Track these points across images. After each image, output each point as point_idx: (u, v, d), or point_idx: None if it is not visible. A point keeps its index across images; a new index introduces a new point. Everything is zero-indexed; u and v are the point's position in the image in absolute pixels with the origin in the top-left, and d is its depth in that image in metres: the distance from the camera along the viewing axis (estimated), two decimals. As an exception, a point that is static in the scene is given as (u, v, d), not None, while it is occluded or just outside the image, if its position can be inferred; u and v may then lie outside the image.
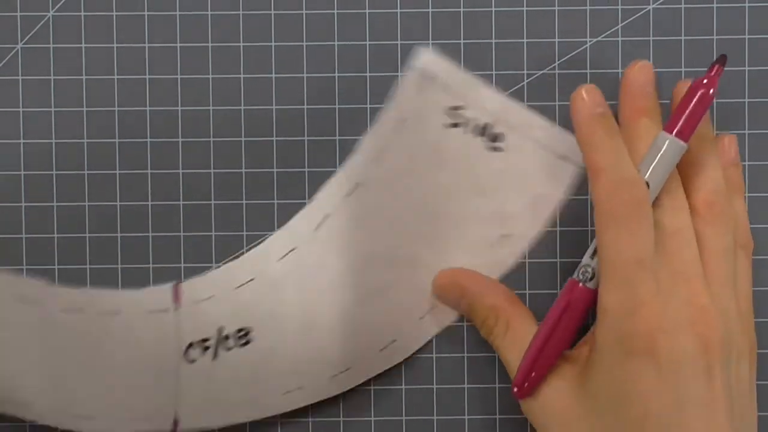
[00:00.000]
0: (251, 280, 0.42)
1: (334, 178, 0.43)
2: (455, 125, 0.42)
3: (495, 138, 0.42)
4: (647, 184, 0.37)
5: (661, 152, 0.38)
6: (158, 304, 0.42)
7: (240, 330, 0.42)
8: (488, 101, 0.42)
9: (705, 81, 0.38)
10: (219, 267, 0.43)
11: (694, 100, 0.38)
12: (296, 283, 0.42)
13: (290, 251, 0.42)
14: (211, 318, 0.42)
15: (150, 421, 0.42)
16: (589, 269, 0.38)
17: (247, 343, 0.42)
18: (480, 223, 0.42)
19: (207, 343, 0.42)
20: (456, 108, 0.42)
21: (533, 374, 0.39)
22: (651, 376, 0.35)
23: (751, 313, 0.39)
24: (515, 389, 0.39)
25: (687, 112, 0.38)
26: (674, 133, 0.38)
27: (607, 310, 0.36)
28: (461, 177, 0.42)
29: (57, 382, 0.41)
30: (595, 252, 0.38)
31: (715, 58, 0.39)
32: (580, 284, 0.39)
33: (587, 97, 0.39)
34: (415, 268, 0.42)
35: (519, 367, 0.39)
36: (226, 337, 0.42)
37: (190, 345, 0.42)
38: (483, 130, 0.42)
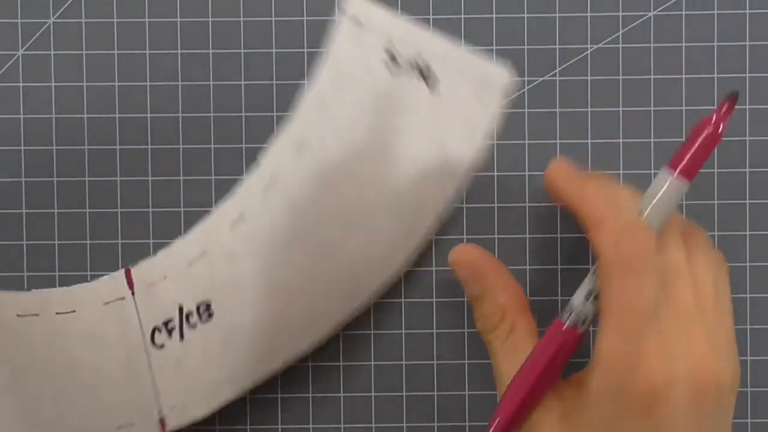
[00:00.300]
0: (203, 252, 0.41)
1: (279, 138, 0.41)
2: (395, 70, 0.41)
3: (430, 77, 0.41)
4: (650, 225, 0.36)
5: (664, 191, 0.36)
6: (113, 293, 0.41)
7: (200, 305, 0.41)
8: (421, 41, 0.41)
9: (714, 119, 0.36)
10: (168, 245, 0.42)
11: (701, 139, 0.36)
12: (250, 250, 0.41)
13: (240, 217, 0.41)
14: (169, 298, 0.40)
15: (135, 426, 0.40)
16: (583, 315, 0.37)
17: (210, 316, 0.41)
18: (428, 164, 0.41)
19: (170, 324, 0.41)
20: (392, 51, 0.41)
21: (517, 418, 0.37)
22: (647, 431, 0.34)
23: (734, 335, 0.38)
24: (491, 430, 0.37)
25: (693, 150, 0.36)
26: (678, 171, 0.36)
27: (607, 362, 0.34)
28: (407, 121, 0.41)
29: (20, 392, 0.39)
30: (589, 296, 0.37)
31: (726, 94, 0.37)
32: (567, 326, 0.37)
33: (563, 164, 0.38)
34: (370, 221, 0.41)
35: (499, 410, 0.37)
36: (189, 315, 0.41)
37: (155, 330, 0.41)
38: (421, 71, 0.41)
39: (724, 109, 0.36)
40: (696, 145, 0.36)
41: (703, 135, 0.36)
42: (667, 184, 0.36)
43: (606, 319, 0.35)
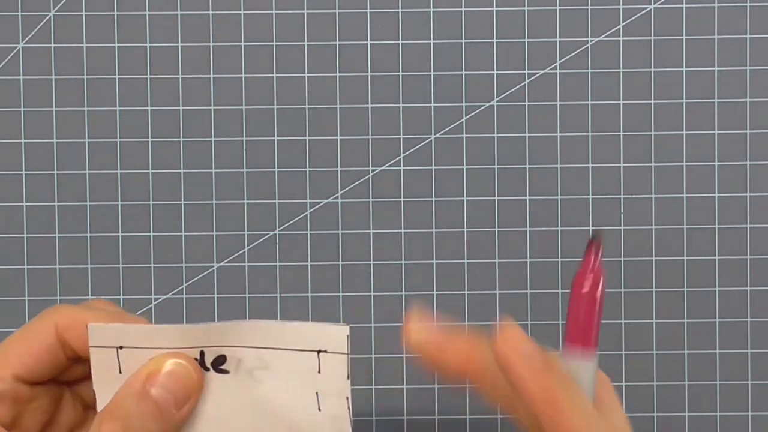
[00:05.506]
0: None
1: None
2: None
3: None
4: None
5: (583, 380, 0.30)
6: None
7: None
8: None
9: (588, 273, 0.30)
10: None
11: (585, 305, 0.30)
12: None
13: None
14: None
15: None
16: None
17: None
18: None
19: None
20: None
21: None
22: None
23: None
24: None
25: (580, 317, 0.30)
26: (582, 349, 0.30)
27: None
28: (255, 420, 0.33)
29: None
30: None
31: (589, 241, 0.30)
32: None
33: (521, 348, 0.29)
34: None
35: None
36: None
37: None
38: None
39: (594, 256, 0.29)
40: (583, 314, 0.29)
41: (586, 300, 0.30)
42: (584, 371, 0.30)
43: None
